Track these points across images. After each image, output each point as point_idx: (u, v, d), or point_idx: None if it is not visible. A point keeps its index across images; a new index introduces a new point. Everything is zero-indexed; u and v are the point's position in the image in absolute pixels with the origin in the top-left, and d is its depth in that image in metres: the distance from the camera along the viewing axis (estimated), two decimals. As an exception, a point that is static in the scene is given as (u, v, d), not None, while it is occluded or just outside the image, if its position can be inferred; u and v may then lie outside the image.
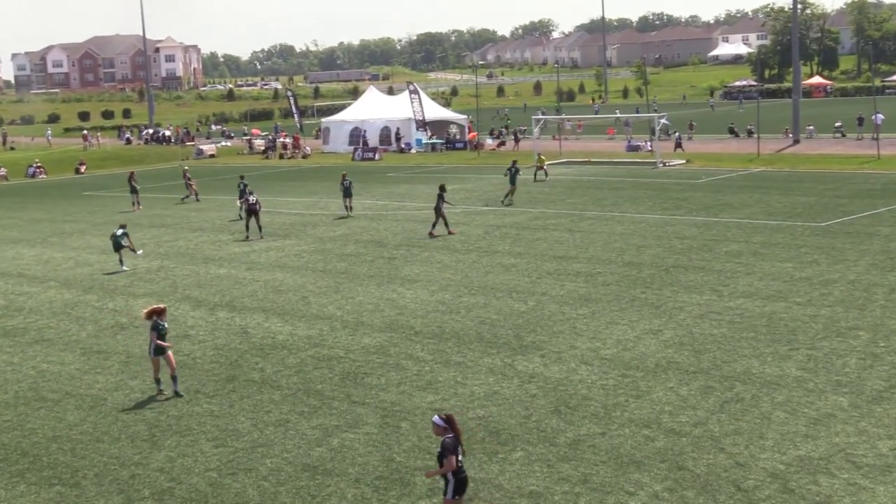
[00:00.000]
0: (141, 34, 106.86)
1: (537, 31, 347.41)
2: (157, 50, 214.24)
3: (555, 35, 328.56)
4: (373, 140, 73.51)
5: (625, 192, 42.02)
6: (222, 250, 32.77)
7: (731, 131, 74.08)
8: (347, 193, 39.53)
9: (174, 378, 17.45)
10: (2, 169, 69.04)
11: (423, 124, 72.98)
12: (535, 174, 49.13)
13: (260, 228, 35.19)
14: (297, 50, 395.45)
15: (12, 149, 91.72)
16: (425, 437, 14.76)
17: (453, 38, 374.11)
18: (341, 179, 40.12)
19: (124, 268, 29.79)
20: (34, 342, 21.90)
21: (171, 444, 15.16)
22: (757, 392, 16.13)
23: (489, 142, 74.85)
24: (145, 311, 17.89)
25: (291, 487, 13.35)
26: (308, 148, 75.48)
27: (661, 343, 19.22)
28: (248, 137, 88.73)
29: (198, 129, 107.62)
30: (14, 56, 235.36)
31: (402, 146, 72.56)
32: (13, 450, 15.30)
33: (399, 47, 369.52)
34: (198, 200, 47.43)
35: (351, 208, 39.80)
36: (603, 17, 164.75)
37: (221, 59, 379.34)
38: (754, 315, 20.93)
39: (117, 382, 18.52)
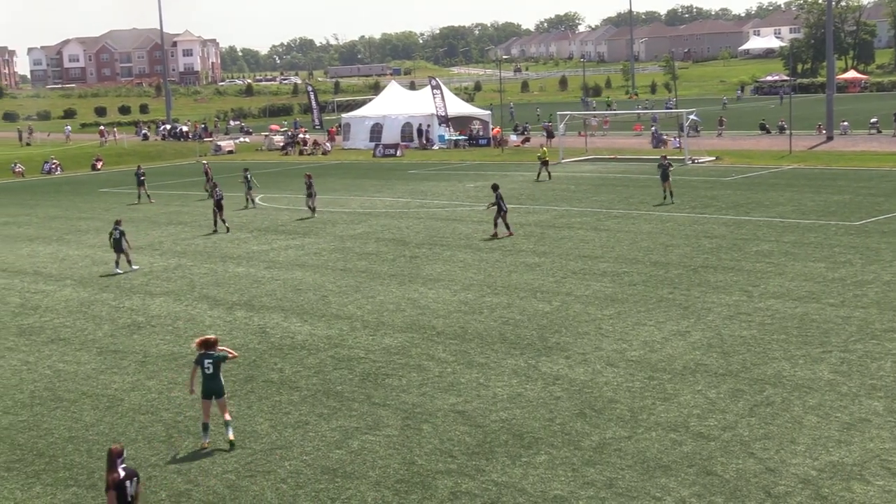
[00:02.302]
0: (158, 28, 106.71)
1: (563, 25, 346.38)
2: (175, 44, 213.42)
3: (581, 29, 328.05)
4: (394, 136, 73.29)
5: (652, 189, 41.51)
6: (240, 248, 32.59)
7: (763, 128, 73.06)
8: (310, 194, 38.23)
9: (227, 424, 14.95)
10: (18, 165, 69.18)
11: (445, 120, 72.73)
12: (539, 173, 48.14)
13: (224, 221, 35.77)
14: (317, 44, 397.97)
15: (28, 144, 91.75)
16: (447, 440, 14.62)
17: (477, 32, 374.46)
18: (306, 180, 38.52)
19: (118, 270, 29.01)
20: (50, 341, 21.78)
21: (188, 445, 15.02)
22: (788, 395, 15.81)
23: (513, 138, 74.50)
24: (196, 341, 15.41)
25: (310, 490, 13.18)
26: (328, 144, 75.41)
27: (688, 345, 18.88)
28: (264, 134, 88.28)
29: (216, 125, 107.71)
30: (30, 50, 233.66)
31: (424, 142, 72.32)
32: (29, 450, 15.18)
33: (421, 41, 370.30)
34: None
35: (314, 209, 38.46)
36: (630, 11, 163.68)
37: (240, 54, 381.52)
38: (785, 316, 20.54)
39: (134, 382, 18.37)
